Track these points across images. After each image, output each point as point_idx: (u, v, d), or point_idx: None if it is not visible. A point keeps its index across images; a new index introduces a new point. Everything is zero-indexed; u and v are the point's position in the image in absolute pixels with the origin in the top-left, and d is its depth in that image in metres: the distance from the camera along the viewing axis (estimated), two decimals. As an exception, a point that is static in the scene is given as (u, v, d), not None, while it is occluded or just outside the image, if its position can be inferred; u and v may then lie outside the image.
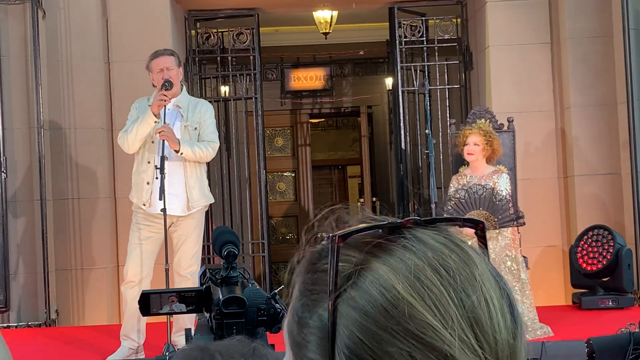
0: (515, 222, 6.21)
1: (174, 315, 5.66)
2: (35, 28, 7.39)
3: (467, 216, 6.19)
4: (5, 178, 7.24)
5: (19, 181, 7.40)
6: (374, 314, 0.74)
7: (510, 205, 6.27)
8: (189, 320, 5.49)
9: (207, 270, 1.71)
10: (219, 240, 1.67)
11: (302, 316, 0.79)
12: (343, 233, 0.76)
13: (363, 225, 0.78)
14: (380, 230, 0.78)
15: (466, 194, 6.26)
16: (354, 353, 0.74)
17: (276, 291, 1.50)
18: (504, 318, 0.76)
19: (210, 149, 5.77)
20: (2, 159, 7.21)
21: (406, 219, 0.78)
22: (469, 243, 0.80)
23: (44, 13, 7.61)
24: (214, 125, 5.96)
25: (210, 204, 6.15)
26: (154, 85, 5.79)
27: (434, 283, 0.74)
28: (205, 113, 5.88)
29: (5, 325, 7.18)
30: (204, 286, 1.64)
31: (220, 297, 1.57)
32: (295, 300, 0.80)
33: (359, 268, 0.76)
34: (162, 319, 5.86)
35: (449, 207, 6.37)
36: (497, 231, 6.19)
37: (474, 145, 6.43)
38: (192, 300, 1.63)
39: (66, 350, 6.20)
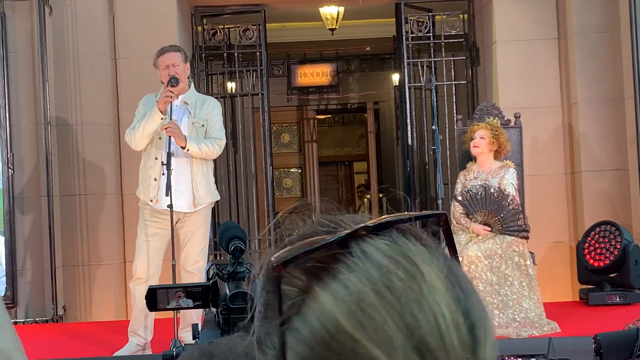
0: (518, 234, 6.20)
1: (180, 312, 5.67)
2: (42, 24, 7.40)
3: (477, 213, 6.21)
4: (12, 174, 7.25)
5: (26, 177, 7.41)
6: (316, 347, 0.70)
7: (520, 217, 6.26)
8: (195, 316, 5.49)
9: (214, 265, 1.71)
10: (225, 236, 1.67)
11: (259, 338, 0.76)
12: (284, 260, 0.72)
13: (305, 247, 0.72)
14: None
15: (483, 192, 6.25)
16: None
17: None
18: (458, 334, 0.70)
19: (216, 146, 5.77)
20: (9, 155, 7.23)
21: (357, 226, 0.73)
22: (418, 246, 0.73)
23: (51, 9, 7.62)
24: (221, 123, 5.96)
25: (217, 200, 6.15)
26: (162, 82, 5.79)
27: (377, 309, 0.69)
28: (212, 110, 5.87)
29: (12, 321, 7.18)
30: (211, 281, 1.64)
31: (227, 292, 1.57)
32: (256, 317, 0.77)
33: (302, 296, 0.72)
34: (169, 315, 5.87)
35: (464, 199, 6.35)
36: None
37: (479, 138, 6.43)
38: (199, 295, 1.63)
39: (73, 346, 6.21)
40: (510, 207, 6.21)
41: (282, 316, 0.72)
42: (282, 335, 0.72)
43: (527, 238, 6.28)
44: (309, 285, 0.72)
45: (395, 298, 0.69)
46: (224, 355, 1.18)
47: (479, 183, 6.38)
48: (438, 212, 0.78)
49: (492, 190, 6.25)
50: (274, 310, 0.73)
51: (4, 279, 7.23)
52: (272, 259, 0.72)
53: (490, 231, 6.21)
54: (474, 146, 6.45)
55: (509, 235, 6.19)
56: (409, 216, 0.75)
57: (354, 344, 0.69)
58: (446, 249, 0.78)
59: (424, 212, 0.77)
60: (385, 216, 0.75)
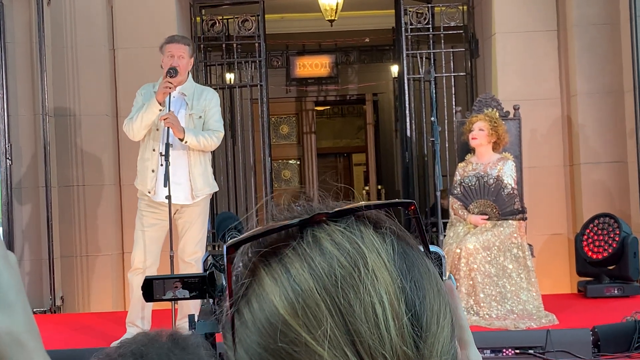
0: (515, 216, 6.20)
1: (178, 302, 5.67)
2: (40, 15, 7.38)
3: (472, 204, 6.21)
4: (10, 165, 7.24)
5: (24, 168, 7.40)
6: (255, 331, 0.71)
7: (516, 200, 6.26)
8: (193, 307, 5.49)
9: (210, 256, 1.70)
10: (222, 226, 1.67)
11: (221, 322, 0.77)
12: (234, 242, 0.73)
13: (258, 231, 0.73)
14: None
15: (476, 182, 6.26)
16: None
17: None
18: (397, 324, 0.68)
19: (214, 138, 5.76)
20: (7, 146, 7.22)
21: (317, 213, 0.73)
22: (372, 233, 0.72)
23: (49, 0, 7.59)
24: (219, 114, 5.94)
25: (215, 192, 6.14)
26: (162, 67, 5.77)
27: (313, 295, 0.68)
28: (210, 101, 5.85)
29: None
30: (207, 272, 1.63)
31: (224, 283, 1.56)
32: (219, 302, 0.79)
33: (250, 279, 0.72)
34: (167, 306, 5.87)
35: (458, 192, 6.36)
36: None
37: (478, 130, 6.43)
38: (196, 286, 1.62)
39: (71, 336, 6.21)
40: (505, 193, 6.21)
41: (231, 299, 0.73)
42: (232, 318, 0.73)
43: (524, 219, 6.27)
44: (256, 268, 0.73)
45: (332, 284, 0.69)
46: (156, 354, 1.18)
47: (476, 174, 6.37)
48: (406, 200, 0.77)
49: (485, 178, 6.25)
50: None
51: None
52: (227, 241, 0.74)
53: (488, 219, 6.21)
54: (472, 138, 6.45)
55: (506, 219, 6.18)
56: (373, 204, 0.75)
57: (287, 329, 0.69)
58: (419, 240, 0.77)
59: (391, 201, 0.76)
60: (346, 203, 0.75)
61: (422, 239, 0.77)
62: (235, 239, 0.73)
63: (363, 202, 0.75)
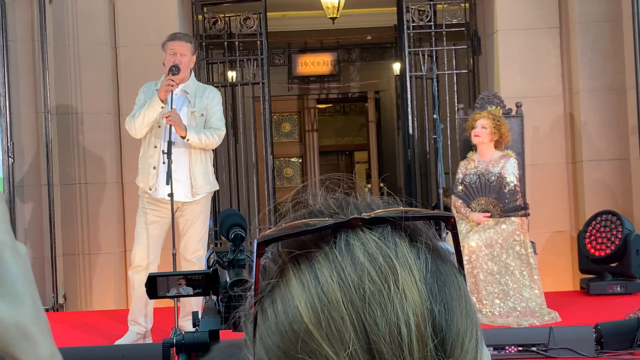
0: (518, 213, 6.20)
1: (181, 300, 5.67)
2: (42, 13, 7.38)
3: (474, 202, 6.21)
4: (12, 163, 7.24)
5: (27, 166, 7.40)
6: (277, 333, 0.70)
7: (518, 196, 6.26)
8: (195, 305, 5.49)
9: (214, 253, 1.70)
10: (226, 223, 1.66)
11: (243, 320, 0.76)
12: (266, 239, 0.71)
13: (290, 230, 0.71)
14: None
15: (477, 179, 6.25)
16: None
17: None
18: (420, 348, 0.67)
19: (216, 136, 5.76)
20: (9, 144, 7.22)
21: (353, 217, 0.71)
22: (406, 247, 0.71)
23: (51, -3, 7.60)
24: (221, 113, 5.94)
25: (216, 190, 6.14)
26: (164, 65, 5.78)
27: (338, 306, 0.67)
28: (212, 100, 5.85)
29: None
30: (211, 269, 1.63)
31: (228, 279, 1.56)
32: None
33: (277, 279, 0.71)
34: (170, 303, 5.87)
35: (459, 191, 6.36)
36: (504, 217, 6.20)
37: (481, 127, 6.42)
38: (199, 283, 1.62)
39: (74, 334, 6.22)
40: (507, 190, 6.20)
41: (256, 297, 0.72)
42: (255, 316, 0.72)
43: (527, 216, 6.27)
44: (285, 267, 0.71)
45: (359, 299, 0.67)
46: None
47: (477, 172, 6.37)
48: (447, 214, 0.75)
49: (486, 176, 6.25)
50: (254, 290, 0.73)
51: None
52: (258, 237, 0.73)
53: (490, 217, 6.21)
54: (475, 135, 6.44)
55: (508, 216, 6.18)
56: (412, 214, 0.72)
57: (310, 338, 0.68)
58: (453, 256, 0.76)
59: (432, 212, 0.74)
60: (381, 210, 0.73)
61: (457, 256, 0.76)
62: (267, 236, 0.71)
63: (402, 208, 0.73)
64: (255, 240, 0.72)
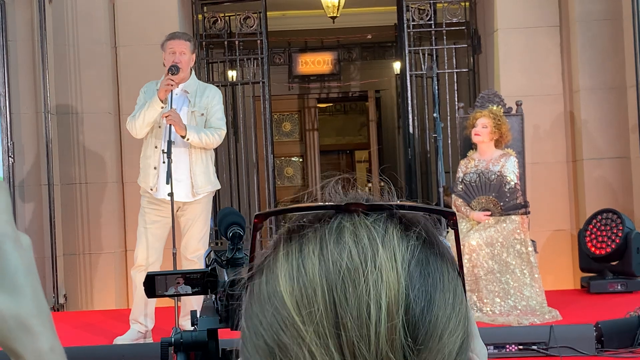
0: (518, 211, 6.19)
1: (181, 299, 5.67)
2: (42, 13, 7.38)
3: (474, 200, 6.21)
4: (12, 163, 7.24)
5: (27, 166, 7.40)
6: (257, 303, 0.72)
7: (518, 194, 6.26)
8: (196, 303, 5.49)
9: (213, 251, 1.70)
10: (224, 222, 1.66)
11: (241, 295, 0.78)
12: (262, 212, 0.75)
13: (287, 208, 0.74)
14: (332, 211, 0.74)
15: (477, 178, 6.25)
16: (242, 336, 0.74)
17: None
18: (388, 330, 0.67)
19: (216, 135, 5.75)
20: (9, 144, 7.22)
21: (351, 202, 0.73)
22: (396, 233, 0.71)
23: (51, -3, 7.60)
24: (222, 112, 5.94)
25: (217, 189, 6.14)
26: (164, 65, 5.78)
27: (313, 280, 0.68)
28: (213, 99, 5.85)
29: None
30: (209, 268, 1.63)
31: (226, 278, 1.56)
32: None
33: (270, 252, 0.73)
34: (171, 303, 5.87)
35: (459, 190, 6.36)
36: (505, 215, 6.20)
37: (481, 127, 6.41)
38: (198, 282, 1.62)
39: (75, 334, 6.22)
40: (507, 188, 6.21)
41: (251, 270, 0.74)
42: (246, 288, 0.74)
43: (527, 213, 6.27)
44: (278, 244, 0.73)
45: (335, 273, 0.68)
46: None
47: (477, 171, 6.37)
48: (448, 210, 0.76)
49: (486, 175, 6.25)
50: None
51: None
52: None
53: (491, 215, 6.21)
54: (475, 134, 6.44)
55: (509, 214, 6.18)
56: (409, 205, 0.73)
57: (282, 307, 0.69)
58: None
59: (432, 207, 0.75)
60: (379, 200, 0.74)
61: (457, 252, 0.76)
62: (265, 210, 0.75)
63: (402, 202, 0.74)
64: (255, 214, 0.75)
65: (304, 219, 0.73)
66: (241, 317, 0.75)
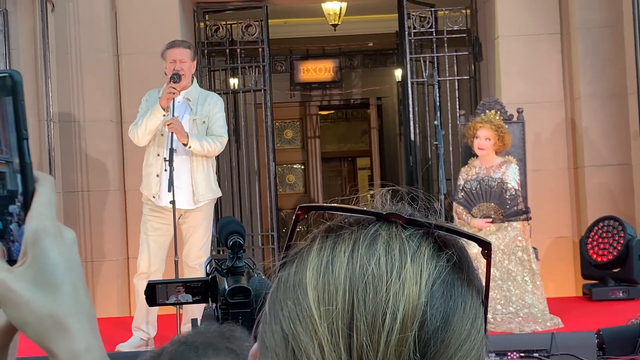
0: (520, 217, 6.20)
1: (183, 307, 5.68)
2: (44, 21, 7.40)
3: (475, 207, 6.21)
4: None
5: (29, 174, 7.40)
6: (283, 290, 0.74)
7: (519, 201, 6.26)
8: (198, 311, 5.50)
9: (213, 260, 1.71)
10: (224, 231, 1.67)
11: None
12: (305, 206, 0.77)
13: (331, 207, 0.76)
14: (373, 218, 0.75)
15: (478, 185, 6.26)
16: (262, 319, 0.76)
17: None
18: (399, 342, 0.68)
19: (218, 143, 5.77)
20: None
21: (392, 212, 0.74)
22: (428, 251, 0.73)
23: (53, 6, 7.62)
24: (224, 120, 5.95)
25: (219, 197, 6.15)
26: (165, 75, 5.80)
27: (337, 279, 0.71)
28: (214, 107, 5.87)
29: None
30: (210, 276, 1.64)
31: (226, 287, 1.57)
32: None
33: (306, 246, 0.76)
34: (173, 310, 5.88)
35: (460, 197, 6.36)
36: (506, 222, 6.20)
37: (485, 139, 6.41)
38: (198, 290, 1.63)
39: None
40: (507, 196, 6.21)
41: (285, 258, 0.76)
42: (278, 272, 0.76)
43: (528, 220, 6.27)
44: (314, 240, 0.75)
45: (359, 277, 0.70)
46: (208, 343, 1.21)
47: (479, 178, 6.38)
48: (485, 240, 0.77)
49: (487, 182, 6.26)
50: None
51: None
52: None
53: (492, 222, 6.21)
54: (479, 148, 6.43)
55: (510, 220, 6.18)
56: (446, 226, 0.75)
57: (304, 298, 0.71)
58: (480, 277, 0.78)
59: (470, 233, 0.77)
60: (419, 217, 0.75)
61: (486, 283, 0.77)
62: (308, 204, 0.77)
63: (442, 224, 0.75)
64: (298, 206, 0.77)
65: (345, 221, 0.75)
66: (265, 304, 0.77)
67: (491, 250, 0.78)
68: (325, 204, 0.76)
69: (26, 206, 0.73)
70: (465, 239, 0.77)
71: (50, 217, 0.73)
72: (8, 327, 0.72)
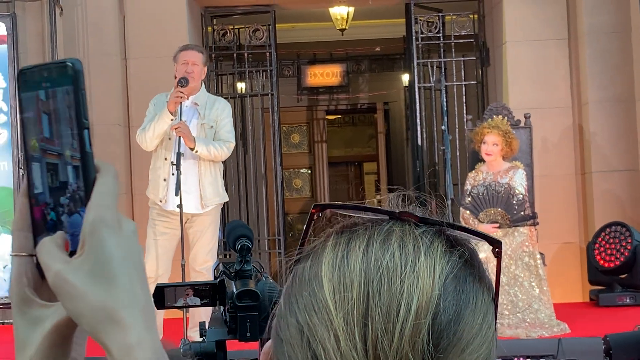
0: (527, 222, 6.19)
1: (190, 311, 5.68)
2: (52, 25, 7.42)
3: (482, 213, 6.21)
4: (23, 174, 7.27)
5: (37, 177, 7.42)
6: (298, 283, 0.76)
7: (526, 206, 6.25)
8: (204, 315, 5.50)
9: (221, 263, 1.71)
10: (232, 234, 1.68)
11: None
12: (320, 204, 0.79)
13: (346, 204, 0.79)
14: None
15: (485, 190, 6.26)
16: (278, 312, 0.78)
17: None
18: (413, 332, 0.70)
19: (225, 148, 5.78)
20: (19, 156, 7.26)
21: (405, 211, 0.76)
22: (439, 248, 0.75)
23: (62, 10, 7.64)
24: (231, 125, 5.96)
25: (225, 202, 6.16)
26: (175, 77, 5.81)
27: (352, 272, 0.73)
28: (222, 112, 5.88)
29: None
30: (218, 279, 1.64)
31: (234, 290, 1.58)
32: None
33: (322, 242, 0.77)
34: (179, 315, 5.88)
35: (467, 202, 6.36)
36: (513, 227, 6.19)
37: (492, 145, 6.40)
38: (207, 293, 1.64)
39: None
40: (514, 201, 6.20)
41: (301, 254, 0.78)
42: (292, 267, 0.78)
43: (536, 225, 6.27)
44: (329, 237, 0.77)
45: (374, 270, 0.72)
46: None
47: (485, 183, 6.37)
48: (496, 239, 0.79)
49: (493, 187, 6.25)
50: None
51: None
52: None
53: (499, 227, 6.21)
54: (486, 154, 6.43)
55: (517, 225, 6.18)
56: (458, 226, 0.77)
57: (319, 290, 0.73)
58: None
59: (482, 232, 0.78)
60: (435, 217, 0.77)
61: (496, 281, 0.79)
62: (323, 203, 0.79)
63: (455, 223, 0.77)
64: (313, 204, 0.80)
65: (358, 221, 0.78)
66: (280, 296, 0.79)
67: (502, 249, 0.79)
68: (339, 203, 0.78)
69: (87, 197, 0.72)
70: (476, 239, 0.78)
71: (109, 207, 0.73)
72: (69, 320, 0.71)
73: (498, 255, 0.79)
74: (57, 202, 0.74)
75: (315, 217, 0.80)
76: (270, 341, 0.79)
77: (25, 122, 0.75)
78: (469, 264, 0.76)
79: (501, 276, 6.19)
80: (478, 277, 0.77)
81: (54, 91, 0.73)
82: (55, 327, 0.71)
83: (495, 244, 0.79)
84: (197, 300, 1.62)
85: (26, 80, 0.75)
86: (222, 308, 1.61)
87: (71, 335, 0.74)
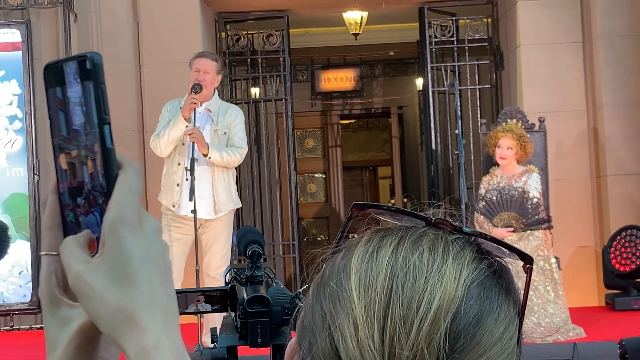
0: (542, 226, 6.17)
1: (204, 316, 5.69)
2: (67, 31, 7.46)
3: (497, 217, 6.19)
4: (38, 180, 7.31)
5: (52, 183, 7.45)
6: (328, 274, 0.78)
7: (541, 209, 6.23)
8: (218, 321, 5.51)
9: (232, 269, 1.71)
10: (243, 240, 1.68)
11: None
12: (361, 203, 0.81)
13: (385, 206, 0.81)
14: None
15: (498, 195, 6.24)
16: (305, 300, 0.80)
17: (300, 290, 1.50)
18: (430, 332, 0.71)
19: (238, 154, 5.80)
20: (34, 162, 7.29)
21: (441, 219, 0.78)
22: (468, 255, 0.76)
23: (76, 16, 7.68)
24: (244, 131, 5.99)
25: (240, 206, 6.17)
26: (189, 83, 5.84)
27: (379, 267, 0.75)
28: (235, 118, 5.91)
29: (38, 326, 7.25)
30: (229, 285, 1.64)
31: (245, 296, 1.57)
32: None
33: (358, 240, 0.79)
34: (193, 320, 5.89)
35: (481, 207, 6.34)
36: (528, 231, 6.17)
37: (507, 149, 6.38)
38: (217, 299, 1.64)
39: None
40: (529, 205, 6.18)
41: (335, 247, 0.80)
42: (327, 260, 0.80)
43: (550, 228, 6.24)
44: (365, 233, 0.80)
45: (401, 266, 0.74)
46: None
47: (500, 187, 6.36)
48: (528, 255, 0.79)
49: (507, 191, 6.24)
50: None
51: (30, 284, 7.28)
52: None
53: (514, 231, 6.19)
54: (500, 157, 6.41)
55: (532, 229, 6.15)
56: (490, 237, 0.78)
57: (346, 280, 0.75)
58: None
59: (515, 247, 0.79)
60: (467, 228, 0.78)
61: (524, 296, 0.80)
62: (363, 202, 0.81)
63: (489, 235, 0.79)
64: (353, 203, 0.82)
65: (394, 226, 0.80)
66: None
67: (533, 265, 0.80)
68: (379, 203, 0.81)
69: (108, 194, 0.70)
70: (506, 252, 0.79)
71: (130, 205, 0.69)
72: (92, 323, 0.69)
73: (529, 271, 0.79)
74: (74, 202, 0.73)
75: (354, 216, 0.82)
76: (293, 339, 0.81)
77: (51, 118, 0.75)
78: (498, 275, 0.77)
79: (517, 280, 6.18)
80: (505, 289, 0.77)
81: (75, 86, 0.72)
82: (80, 329, 0.69)
83: (527, 260, 0.79)
84: (208, 307, 1.61)
85: (48, 77, 0.74)
86: (233, 314, 1.61)
87: (98, 337, 0.71)
